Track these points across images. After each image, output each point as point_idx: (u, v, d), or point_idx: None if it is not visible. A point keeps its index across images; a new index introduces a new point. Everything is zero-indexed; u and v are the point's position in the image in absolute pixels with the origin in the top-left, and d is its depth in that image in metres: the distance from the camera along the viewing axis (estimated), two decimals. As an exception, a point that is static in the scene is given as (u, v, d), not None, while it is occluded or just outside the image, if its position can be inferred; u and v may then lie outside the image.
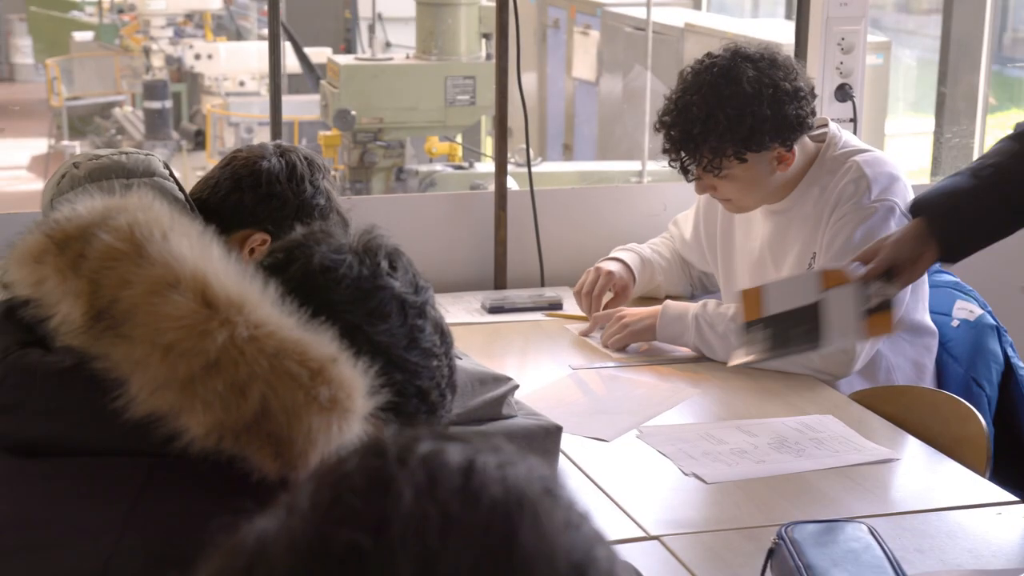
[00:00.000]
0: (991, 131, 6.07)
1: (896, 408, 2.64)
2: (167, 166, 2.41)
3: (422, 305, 1.55)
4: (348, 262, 1.52)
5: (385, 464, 0.83)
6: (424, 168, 6.40)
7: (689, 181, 2.84)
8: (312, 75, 9.49)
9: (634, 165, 6.44)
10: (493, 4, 7.22)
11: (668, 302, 2.95)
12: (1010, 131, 2.56)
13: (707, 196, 2.97)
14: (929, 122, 6.48)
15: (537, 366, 2.93)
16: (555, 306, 3.24)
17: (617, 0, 8.71)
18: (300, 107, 9.10)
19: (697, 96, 2.74)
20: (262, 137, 8.74)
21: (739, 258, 3.04)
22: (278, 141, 2.59)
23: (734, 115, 2.72)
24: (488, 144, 8.45)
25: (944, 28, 6.11)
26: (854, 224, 2.77)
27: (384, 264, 1.53)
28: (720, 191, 2.84)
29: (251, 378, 1.31)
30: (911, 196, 2.73)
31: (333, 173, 2.56)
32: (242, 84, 11.40)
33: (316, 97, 7.14)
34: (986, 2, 5.92)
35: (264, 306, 1.37)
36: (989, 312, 3.00)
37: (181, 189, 2.38)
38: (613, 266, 3.13)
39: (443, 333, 1.59)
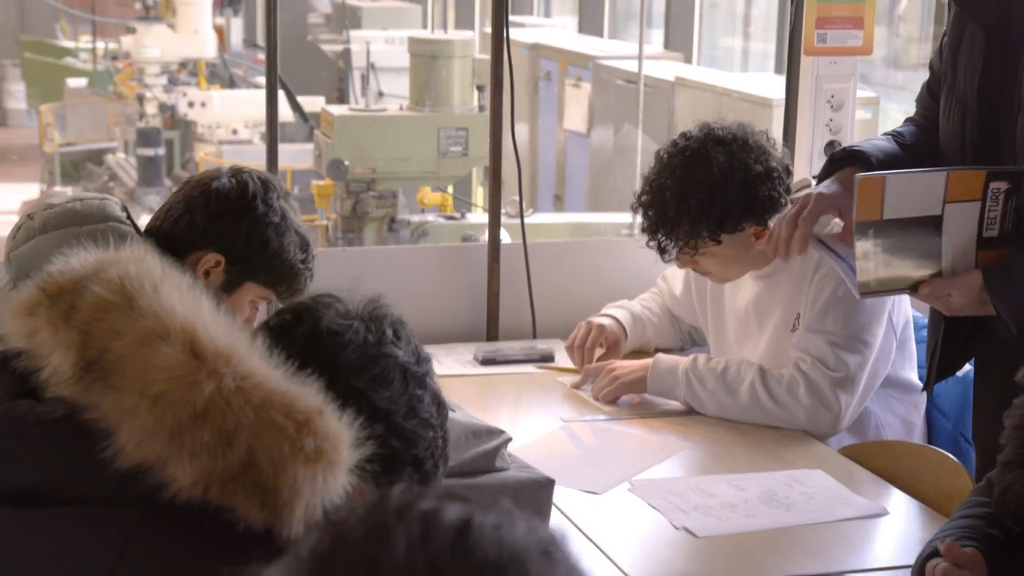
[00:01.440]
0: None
1: (885, 463, 2.65)
2: (125, 208, 2.41)
3: (423, 376, 1.57)
4: (355, 328, 1.54)
5: (385, 517, 0.87)
6: (416, 218, 6.43)
7: (667, 261, 2.87)
8: (305, 124, 9.54)
9: (625, 217, 6.47)
10: (486, 56, 7.28)
11: (659, 356, 2.96)
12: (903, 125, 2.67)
13: None
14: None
15: (529, 418, 2.93)
16: (547, 359, 3.24)
17: (608, 53, 8.78)
18: (293, 156, 9.14)
19: (671, 179, 2.77)
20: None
21: (729, 316, 3.05)
22: (237, 165, 2.56)
23: (706, 199, 2.74)
24: (480, 195, 8.49)
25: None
26: (834, 284, 2.79)
27: (389, 332, 1.55)
28: (701, 266, 2.87)
29: (237, 428, 1.33)
30: None
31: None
32: (235, 132, 11.45)
33: (309, 146, 7.18)
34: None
35: (252, 358, 1.39)
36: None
37: (137, 231, 2.37)
38: (605, 321, 3.14)
39: (440, 405, 1.61)
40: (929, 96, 2.61)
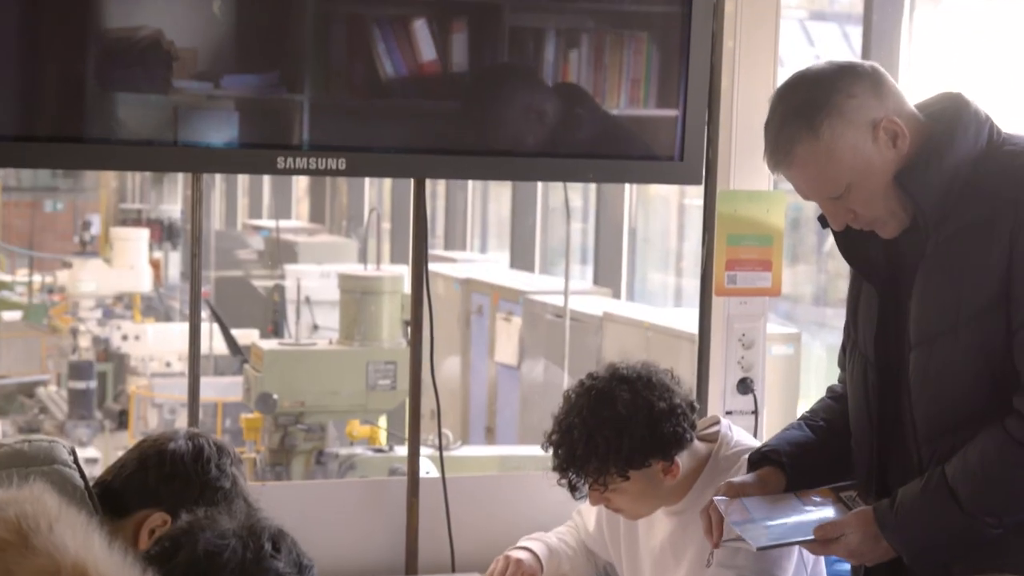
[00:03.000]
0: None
1: None
2: (72, 451, 2.44)
3: None
4: (232, 546, 1.58)
5: None
6: (344, 451, 6.45)
7: (577, 499, 2.92)
8: (238, 357, 9.58)
9: (553, 450, 6.51)
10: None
11: None
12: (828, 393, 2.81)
13: None
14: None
15: (445, 655, 2.92)
16: (464, 592, 3.25)
17: (539, 288, 8.97)
18: (224, 389, 9.16)
19: (578, 419, 2.84)
20: (184, 418, 8.74)
21: (644, 554, 3.08)
22: (193, 428, 2.63)
23: (612, 437, 2.80)
24: (403, 426, 8.51)
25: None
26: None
27: (268, 546, 1.59)
28: (612, 503, 2.92)
29: None
30: None
31: (253, 455, 2.61)
32: (168, 365, 11.47)
33: (240, 379, 7.22)
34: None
35: None
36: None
37: (83, 476, 2.40)
38: (522, 555, 3.16)
39: None
40: (844, 357, 2.74)
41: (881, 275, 2.57)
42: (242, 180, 18.98)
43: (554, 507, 3.47)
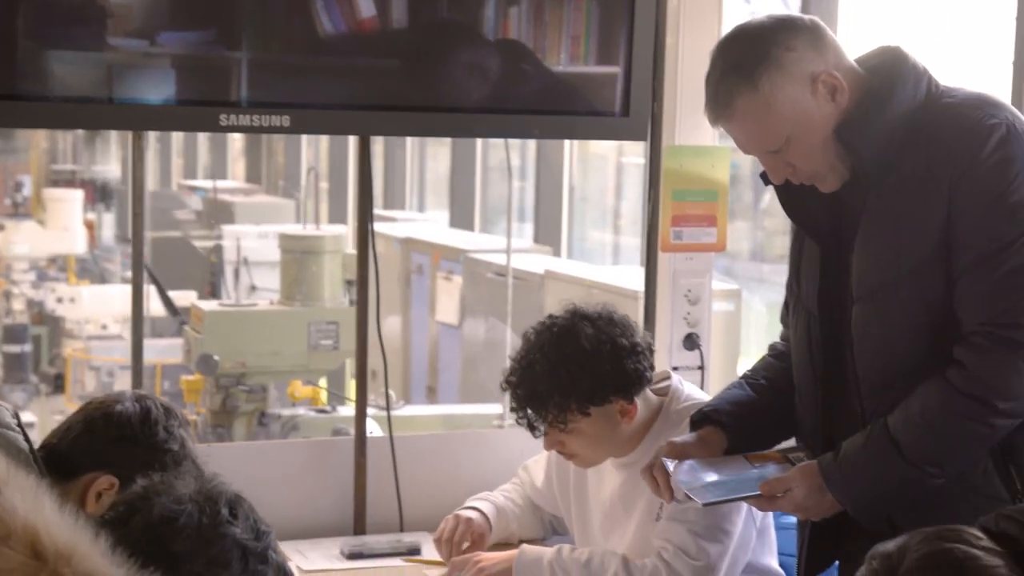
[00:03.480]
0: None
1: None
2: (16, 415, 2.40)
3: (264, 551, 1.59)
4: (188, 511, 1.56)
5: None
6: (287, 412, 6.42)
7: (536, 437, 2.91)
8: (176, 319, 9.50)
9: (496, 408, 6.53)
10: (355, 252, 7.35)
11: (523, 547, 2.98)
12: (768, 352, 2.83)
13: None
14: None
15: (395, 614, 2.92)
16: (414, 552, 3.24)
17: (479, 247, 8.95)
18: (163, 351, 9.08)
19: (539, 354, 2.83)
20: (123, 381, 8.67)
21: (594, 507, 3.09)
22: (140, 391, 2.60)
23: (576, 371, 2.80)
24: (352, 387, 8.49)
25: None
26: None
27: (225, 512, 1.58)
28: (567, 446, 2.91)
29: None
30: None
31: (194, 417, 2.58)
32: (104, 327, 11.35)
33: (179, 341, 7.16)
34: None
35: (94, 556, 1.41)
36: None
37: (27, 439, 2.36)
38: (471, 514, 3.16)
39: None
40: (787, 313, 2.75)
41: (823, 230, 2.57)
42: (176, 140, 18.76)
43: (501, 465, 3.47)
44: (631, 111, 3.34)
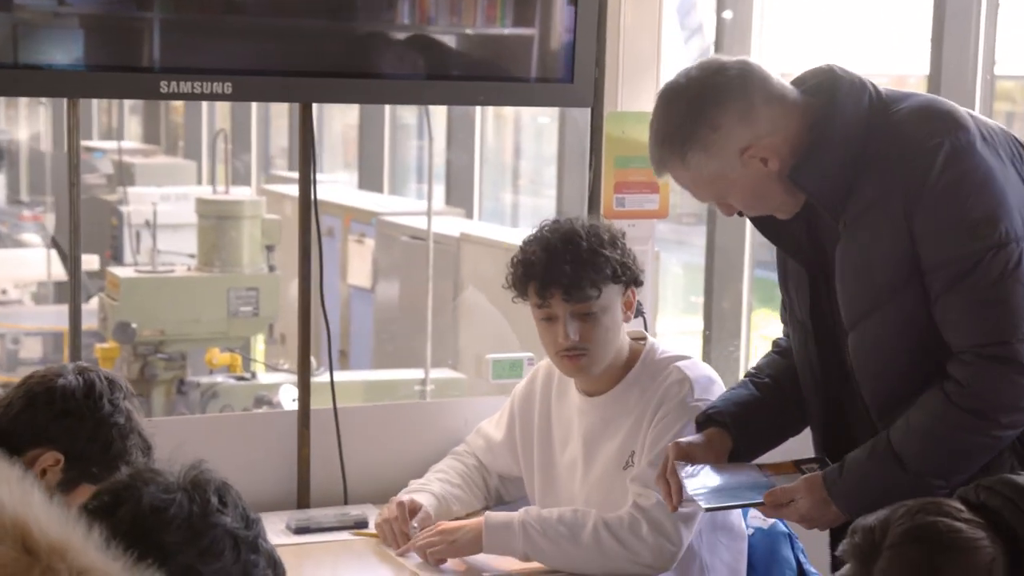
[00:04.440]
0: (754, 329, 6.35)
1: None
2: None
3: (254, 539, 1.56)
4: (178, 501, 1.52)
5: None
6: (206, 380, 6.33)
7: (576, 303, 2.89)
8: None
9: (417, 373, 6.49)
10: (275, 216, 7.25)
11: (488, 513, 2.97)
12: (772, 346, 2.87)
13: (523, 393, 3.14)
14: (698, 321, 6.72)
15: (349, 589, 2.89)
16: (361, 524, 3.21)
17: (391, 209, 8.87)
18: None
19: (573, 228, 2.92)
20: (30, 348, 8.48)
21: (558, 451, 3.09)
22: (79, 362, 2.53)
23: (608, 238, 2.93)
24: (260, 353, 8.38)
25: (708, 238, 6.40)
26: (680, 424, 2.89)
27: (214, 500, 1.54)
28: (583, 337, 2.91)
29: None
30: None
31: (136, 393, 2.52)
32: (4, 292, 11.08)
33: (86, 306, 7.01)
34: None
35: (88, 551, 1.36)
36: (781, 520, 3.10)
37: None
38: (410, 501, 3.12)
39: (276, 565, 1.60)
40: (785, 312, 2.77)
41: (806, 251, 2.59)
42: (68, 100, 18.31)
43: (446, 435, 3.45)
44: (575, 77, 3.31)
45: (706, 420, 2.74)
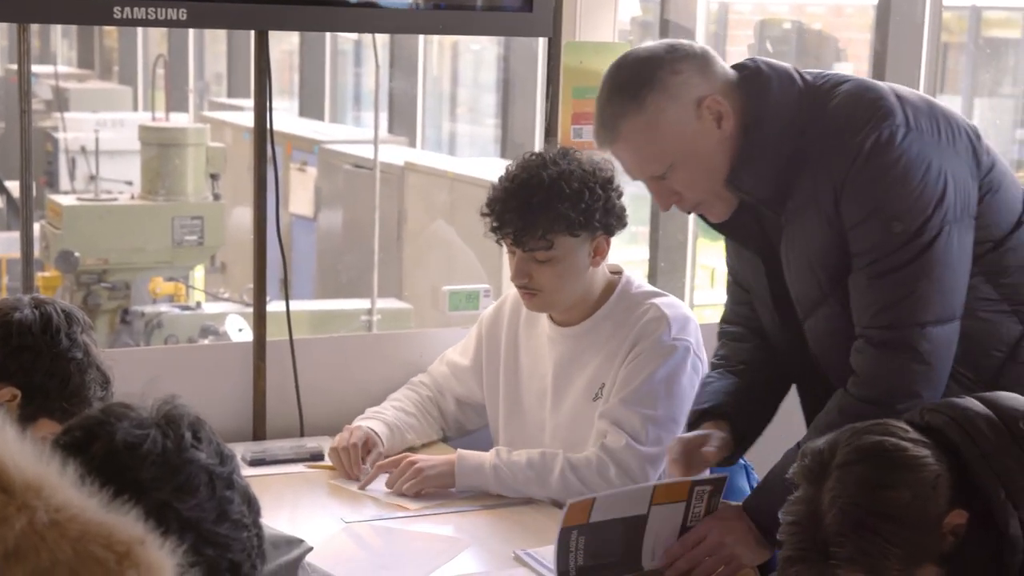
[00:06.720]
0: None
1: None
2: None
3: (229, 475, 1.54)
4: (152, 437, 1.50)
5: None
6: (150, 309, 6.26)
7: (525, 251, 2.86)
8: (14, 210, 9.16)
9: (364, 303, 6.47)
10: (220, 144, 7.15)
11: (461, 452, 2.97)
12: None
13: (491, 319, 3.12)
14: (641, 251, 6.71)
15: (309, 521, 2.87)
16: (317, 457, 3.19)
17: (333, 137, 8.79)
18: (6, 244, 8.76)
19: (538, 174, 2.85)
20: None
21: (525, 381, 3.09)
22: (35, 294, 2.49)
23: (576, 188, 2.83)
24: (201, 282, 8.31)
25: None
26: (656, 363, 2.89)
27: (188, 436, 1.52)
28: (535, 279, 2.88)
29: (54, 565, 1.26)
30: (700, 336, 2.94)
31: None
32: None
33: (17, 234, 6.90)
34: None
35: (64, 488, 1.33)
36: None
37: None
38: (365, 429, 3.11)
39: (251, 501, 1.58)
40: (737, 287, 2.77)
41: (757, 239, 2.59)
42: (18, 26, 17.92)
43: (402, 367, 3.44)
44: (535, 6, 3.28)
45: (700, 416, 2.70)
